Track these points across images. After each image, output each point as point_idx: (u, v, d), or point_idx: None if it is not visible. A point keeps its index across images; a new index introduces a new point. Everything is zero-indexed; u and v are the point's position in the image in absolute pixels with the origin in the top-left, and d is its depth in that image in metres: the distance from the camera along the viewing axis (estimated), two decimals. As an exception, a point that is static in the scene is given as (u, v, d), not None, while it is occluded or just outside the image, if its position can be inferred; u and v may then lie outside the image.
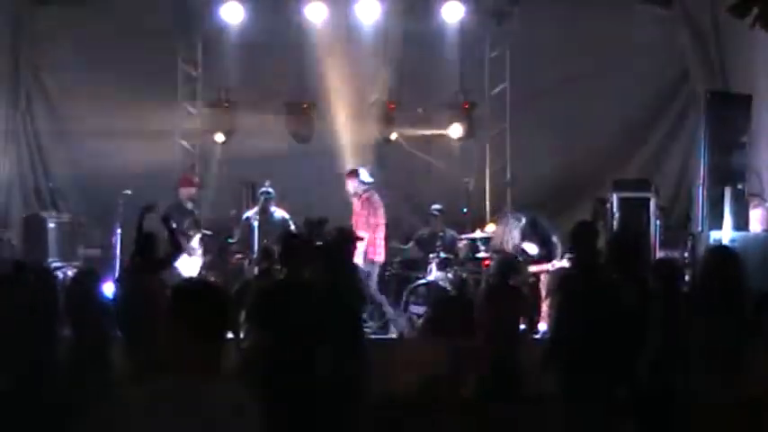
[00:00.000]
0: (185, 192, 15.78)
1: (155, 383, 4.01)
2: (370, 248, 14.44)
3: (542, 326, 13.09)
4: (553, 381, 8.77)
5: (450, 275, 14.64)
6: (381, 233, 14.92)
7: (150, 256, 10.35)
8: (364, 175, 15.32)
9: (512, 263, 11.60)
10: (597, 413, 8.27)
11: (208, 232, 15.76)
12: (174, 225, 14.26)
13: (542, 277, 14.23)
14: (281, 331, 8.34)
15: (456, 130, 17.20)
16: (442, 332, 12.71)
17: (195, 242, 15.32)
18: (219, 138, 17.20)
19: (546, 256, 14.65)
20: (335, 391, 8.07)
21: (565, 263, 13.51)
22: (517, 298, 10.76)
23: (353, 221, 14.94)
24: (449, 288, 14.38)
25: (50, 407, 7.21)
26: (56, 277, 10.89)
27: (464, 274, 14.83)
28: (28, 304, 7.92)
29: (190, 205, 15.70)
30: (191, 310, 4.01)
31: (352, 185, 15.22)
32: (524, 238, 14.85)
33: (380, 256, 14.83)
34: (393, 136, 17.35)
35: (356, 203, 15.16)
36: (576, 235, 9.65)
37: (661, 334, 8.28)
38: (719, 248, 10.04)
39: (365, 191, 15.15)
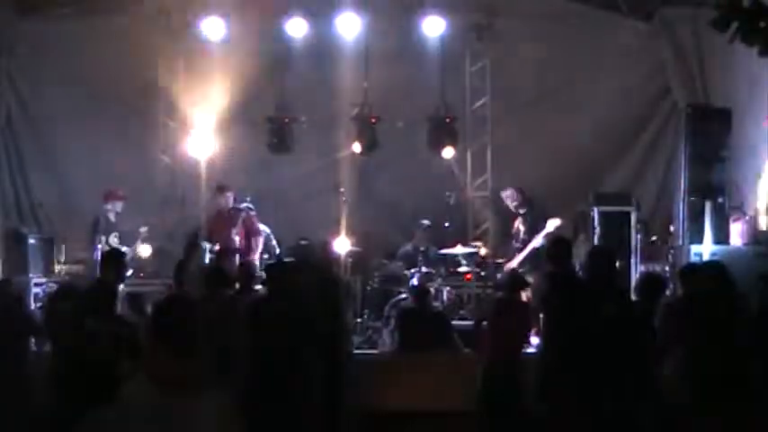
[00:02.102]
0: (112, 206, 15.60)
1: (140, 397, 3.99)
2: None
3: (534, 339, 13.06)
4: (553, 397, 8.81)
5: (412, 283, 14.51)
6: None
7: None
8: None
9: (521, 277, 11.61)
10: (588, 426, 8.28)
11: (124, 248, 15.44)
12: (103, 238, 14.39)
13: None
14: (266, 344, 8.33)
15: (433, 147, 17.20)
16: (412, 347, 12.66)
17: None
18: (201, 152, 17.12)
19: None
20: (319, 402, 8.06)
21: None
22: (525, 313, 10.74)
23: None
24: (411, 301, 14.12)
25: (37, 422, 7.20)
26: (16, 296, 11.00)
27: (426, 284, 14.55)
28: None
29: (113, 218, 15.55)
30: (174, 326, 4.00)
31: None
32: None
33: None
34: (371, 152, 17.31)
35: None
36: (552, 250, 9.72)
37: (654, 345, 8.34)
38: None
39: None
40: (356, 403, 9.35)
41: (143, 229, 15.47)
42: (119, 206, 15.47)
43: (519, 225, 15.22)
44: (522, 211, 15.25)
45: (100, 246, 14.80)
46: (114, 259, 10.23)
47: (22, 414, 8.49)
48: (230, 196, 15.41)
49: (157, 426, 3.88)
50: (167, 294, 10.13)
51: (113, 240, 15.13)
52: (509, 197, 15.54)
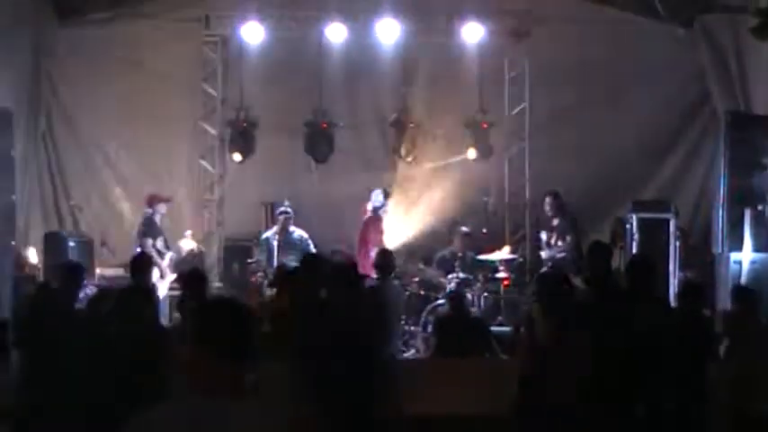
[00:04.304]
0: (160, 208, 15.56)
1: (183, 403, 3.97)
2: None
3: None
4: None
5: (450, 288, 14.52)
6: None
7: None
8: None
9: (557, 279, 11.52)
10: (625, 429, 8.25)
11: (169, 252, 15.43)
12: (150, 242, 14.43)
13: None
14: (300, 351, 8.33)
15: (472, 154, 17.12)
16: (449, 353, 12.63)
17: (167, 261, 15.24)
18: (238, 157, 17.16)
19: None
20: (358, 412, 8.04)
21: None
22: None
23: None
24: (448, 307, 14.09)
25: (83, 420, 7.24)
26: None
27: (464, 291, 14.57)
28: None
29: (158, 221, 15.53)
30: (218, 330, 3.98)
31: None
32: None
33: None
34: (409, 158, 17.33)
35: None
36: (589, 254, 9.69)
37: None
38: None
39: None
40: (394, 407, 9.33)
41: (187, 233, 15.58)
42: (163, 208, 15.49)
43: (546, 235, 15.31)
44: (554, 221, 15.27)
45: (139, 250, 14.82)
46: (146, 264, 10.44)
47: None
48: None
49: (185, 430, 3.85)
50: (213, 297, 10.19)
51: (159, 244, 15.14)
52: (545, 203, 15.71)
